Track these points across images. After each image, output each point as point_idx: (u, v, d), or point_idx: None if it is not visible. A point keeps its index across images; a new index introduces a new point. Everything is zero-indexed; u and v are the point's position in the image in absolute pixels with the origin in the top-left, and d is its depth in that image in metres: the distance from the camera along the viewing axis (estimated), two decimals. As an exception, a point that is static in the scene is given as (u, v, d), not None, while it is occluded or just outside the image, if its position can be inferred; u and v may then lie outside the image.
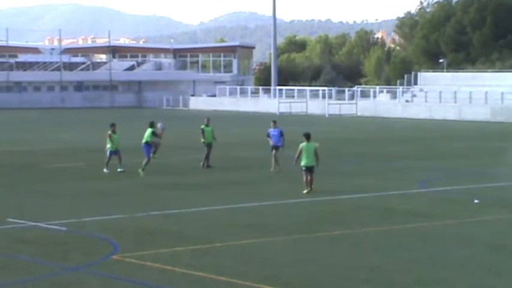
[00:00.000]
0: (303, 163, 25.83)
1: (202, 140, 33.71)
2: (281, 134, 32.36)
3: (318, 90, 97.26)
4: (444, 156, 39.50)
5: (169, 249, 17.65)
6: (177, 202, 24.59)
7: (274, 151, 32.14)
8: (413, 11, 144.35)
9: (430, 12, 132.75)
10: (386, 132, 59.15)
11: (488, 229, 20.42)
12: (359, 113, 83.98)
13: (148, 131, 31.63)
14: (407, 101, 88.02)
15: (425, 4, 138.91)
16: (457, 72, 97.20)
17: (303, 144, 25.91)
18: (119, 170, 31.91)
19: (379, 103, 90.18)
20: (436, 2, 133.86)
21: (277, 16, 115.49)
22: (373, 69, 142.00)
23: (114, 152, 32.15)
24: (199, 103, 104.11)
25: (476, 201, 24.21)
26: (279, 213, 22.87)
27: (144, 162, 31.33)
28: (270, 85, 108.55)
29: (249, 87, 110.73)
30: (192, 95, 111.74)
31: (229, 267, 16.13)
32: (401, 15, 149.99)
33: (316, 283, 15.08)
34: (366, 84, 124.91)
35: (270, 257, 17.10)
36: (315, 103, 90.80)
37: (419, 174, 31.82)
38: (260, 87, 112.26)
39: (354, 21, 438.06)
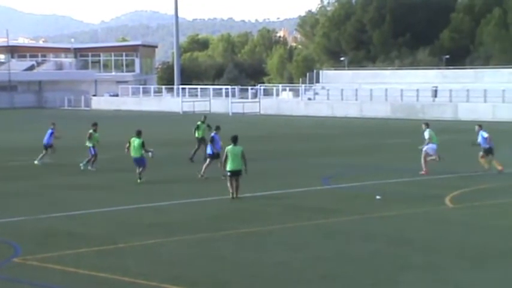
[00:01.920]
0: (228, 168, 24.52)
1: (196, 135, 35.32)
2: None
3: (221, 88, 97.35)
4: (346, 153, 39.97)
5: (73, 251, 17.33)
6: (81, 203, 24.18)
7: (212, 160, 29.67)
8: (314, 10, 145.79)
9: (331, 11, 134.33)
10: (290, 130, 59.55)
11: (391, 224, 20.72)
12: (262, 111, 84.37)
13: (136, 142, 28.74)
14: (309, 98, 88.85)
15: (326, 3, 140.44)
16: (358, 70, 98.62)
17: (229, 148, 24.63)
18: (81, 165, 32.50)
19: (282, 101, 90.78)
20: (336, 1, 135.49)
21: (179, 15, 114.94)
22: (275, 67, 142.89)
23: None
24: (101, 103, 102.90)
25: (378, 197, 24.55)
26: (185, 212, 22.74)
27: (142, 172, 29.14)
28: (173, 84, 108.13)
29: (152, 87, 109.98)
30: (94, 95, 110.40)
31: (134, 267, 15.92)
32: (303, 13, 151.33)
33: (222, 282, 15.01)
34: (269, 83, 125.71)
35: (175, 257, 16.96)
36: (218, 102, 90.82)
37: (323, 171, 32.11)
38: (163, 87, 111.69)
39: (256, 20, 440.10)
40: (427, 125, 31.89)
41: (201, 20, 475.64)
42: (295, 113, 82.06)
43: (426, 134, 31.27)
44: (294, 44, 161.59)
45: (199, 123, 35.97)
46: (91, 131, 33.33)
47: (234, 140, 24.72)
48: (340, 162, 35.34)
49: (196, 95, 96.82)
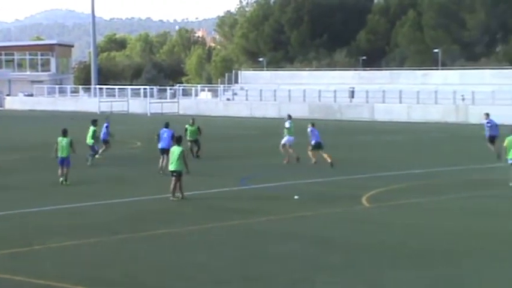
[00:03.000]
0: (169, 167, 24.79)
1: (188, 138, 36.14)
2: (172, 136, 31.14)
3: (139, 89, 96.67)
4: (265, 154, 40.06)
5: (-14, 254, 16.96)
6: (-5, 205, 23.67)
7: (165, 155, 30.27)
8: (233, 10, 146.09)
9: (250, 12, 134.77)
10: (208, 130, 59.31)
11: (309, 224, 20.86)
12: (181, 112, 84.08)
13: (65, 141, 28.45)
14: (228, 99, 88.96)
15: (244, 3, 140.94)
16: (277, 70, 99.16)
17: (172, 148, 25.11)
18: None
19: (201, 102, 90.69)
20: (255, 1, 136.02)
21: (96, 14, 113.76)
22: (194, 68, 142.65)
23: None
24: (15, 103, 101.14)
25: (296, 197, 24.68)
26: (105, 213, 22.48)
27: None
28: (90, 84, 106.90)
29: (69, 86, 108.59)
30: (8, 95, 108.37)
31: (49, 270, 15.66)
32: (222, 14, 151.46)
33: (140, 283, 14.89)
34: (188, 83, 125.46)
35: (92, 258, 16.75)
36: (136, 102, 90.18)
37: (241, 171, 32.16)
38: (80, 87, 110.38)
39: (175, 20, 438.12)
40: (290, 117, 36.24)
41: (118, 20, 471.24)
42: (214, 114, 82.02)
43: (287, 124, 34.86)
44: (212, 45, 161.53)
45: (187, 126, 36.82)
46: (95, 128, 34.13)
47: (177, 140, 25.15)
48: (258, 163, 35.43)
49: (114, 95, 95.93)
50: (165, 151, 30.04)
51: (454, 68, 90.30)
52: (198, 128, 37.04)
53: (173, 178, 24.39)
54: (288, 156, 34.89)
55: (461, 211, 22.76)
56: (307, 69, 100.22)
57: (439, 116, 70.70)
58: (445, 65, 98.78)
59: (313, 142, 34.45)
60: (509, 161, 27.31)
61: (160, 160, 30.87)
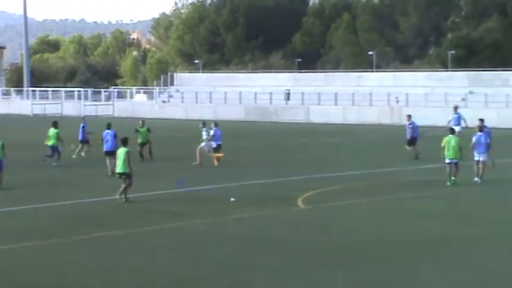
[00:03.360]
0: (117, 169, 24.94)
1: (140, 140, 36.75)
2: (115, 136, 31.14)
3: (73, 91, 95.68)
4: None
5: None
6: None
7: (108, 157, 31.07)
8: (168, 12, 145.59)
9: (185, 13, 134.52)
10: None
11: (246, 226, 20.86)
12: (116, 114, 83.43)
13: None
14: (164, 101, 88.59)
15: (180, 5, 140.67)
16: (212, 73, 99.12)
17: (118, 150, 25.19)
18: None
19: (136, 104, 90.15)
20: (190, 3, 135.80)
21: (29, 15, 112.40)
22: (129, 70, 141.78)
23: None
24: None
25: (232, 199, 24.66)
26: (38, 217, 22.18)
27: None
28: (22, 86, 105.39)
29: (0, 89, 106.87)
30: None
31: (-17, 275, 15.38)
32: (157, 16, 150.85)
33: (75, 287, 14.71)
34: (123, 85, 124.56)
35: (26, 263, 16.50)
36: (70, 104, 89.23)
37: (177, 173, 32.05)
38: (12, 89, 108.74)
39: (109, 22, 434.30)
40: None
41: (51, 21, 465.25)
42: (149, 116, 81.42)
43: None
44: (148, 47, 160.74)
45: (138, 128, 37.22)
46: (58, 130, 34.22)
47: (123, 141, 25.15)
48: (194, 165, 35.31)
49: (47, 98, 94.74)
50: (110, 153, 29.98)
51: (388, 70, 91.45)
52: (148, 129, 37.65)
53: (122, 180, 24.45)
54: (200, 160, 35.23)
55: (396, 212, 22.99)
56: (243, 71, 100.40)
57: (373, 117, 71.40)
58: (380, 67, 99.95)
59: (215, 144, 35.46)
60: (447, 161, 27.86)
61: (108, 162, 30.72)
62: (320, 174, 31.59)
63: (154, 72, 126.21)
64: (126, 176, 24.41)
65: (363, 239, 18.99)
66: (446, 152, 27.92)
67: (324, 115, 73.73)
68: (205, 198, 25.66)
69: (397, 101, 73.36)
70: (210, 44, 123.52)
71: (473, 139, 28.63)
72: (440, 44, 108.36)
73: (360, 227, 20.66)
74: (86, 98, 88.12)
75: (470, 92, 70.83)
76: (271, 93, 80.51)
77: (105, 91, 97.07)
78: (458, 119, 42.36)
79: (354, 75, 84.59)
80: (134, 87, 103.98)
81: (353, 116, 72.79)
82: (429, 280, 15.25)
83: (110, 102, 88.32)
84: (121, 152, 24.70)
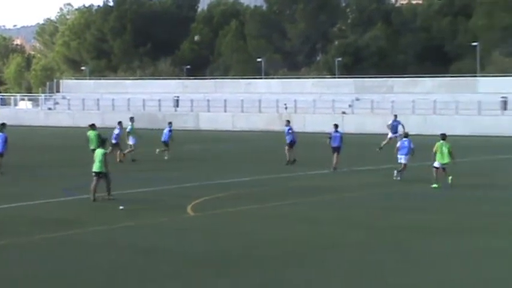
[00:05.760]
0: (93, 168, 25.95)
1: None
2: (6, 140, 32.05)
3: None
4: (88, 163, 39.14)
5: None
6: None
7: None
8: (53, 18, 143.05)
9: (71, 19, 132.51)
10: (29, 141, 57.78)
11: (135, 234, 20.50)
12: None
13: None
14: (50, 108, 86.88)
15: (65, 11, 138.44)
16: (100, 79, 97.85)
17: (96, 150, 26.39)
18: None
19: (21, 111, 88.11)
20: (76, 9, 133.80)
21: None
22: (13, 76, 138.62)
23: None
24: None
25: (121, 207, 24.23)
26: None
27: None
28: None
29: None
30: None
31: None
32: (42, 21, 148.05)
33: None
34: (6, 92, 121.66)
35: None
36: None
37: (64, 181, 31.38)
38: None
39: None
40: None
41: None
42: (35, 123, 79.84)
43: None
44: (32, 53, 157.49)
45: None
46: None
47: (102, 142, 26.56)
48: (82, 172, 34.58)
49: None
50: None
51: (276, 77, 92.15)
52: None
53: (95, 178, 25.52)
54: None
55: (285, 217, 23.00)
56: (131, 78, 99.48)
57: (263, 124, 71.78)
58: (268, 74, 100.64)
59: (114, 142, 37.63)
60: (436, 165, 28.92)
61: None
62: (210, 181, 31.41)
63: (39, 79, 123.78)
64: (103, 175, 25.52)
65: (252, 245, 18.91)
66: (437, 157, 28.92)
67: (213, 122, 73.70)
68: (93, 206, 25.11)
69: (286, 108, 73.97)
70: (97, 50, 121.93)
71: (398, 143, 32.02)
72: (328, 51, 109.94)
73: (249, 233, 20.57)
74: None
75: (357, 99, 72.00)
76: (159, 100, 80.00)
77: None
78: (397, 126, 44.58)
79: (243, 82, 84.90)
80: (18, 94, 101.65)
81: (242, 122, 73.02)
82: (317, 285, 15.23)
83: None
84: (98, 152, 25.90)
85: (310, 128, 64.74)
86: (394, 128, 44.60)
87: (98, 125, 74.10)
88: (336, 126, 36.11)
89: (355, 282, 15.49)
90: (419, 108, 66.48)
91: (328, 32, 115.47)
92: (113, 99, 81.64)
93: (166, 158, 40.89)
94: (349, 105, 70.60)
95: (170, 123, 43.38)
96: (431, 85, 72.72)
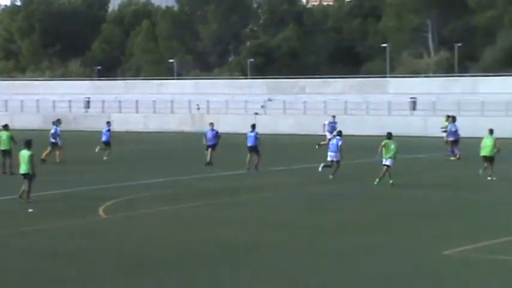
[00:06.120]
0: (20, 170, 25.72)
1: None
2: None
3: None
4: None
5: None
6: None
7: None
8: None
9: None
10: None
11: (43, 238, 20.06)
12: None
13: None
14: None
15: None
16: (8, 80, 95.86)
17: (22, 152, 25.74)
18: None
19: None
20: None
21: None
22: None
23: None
24: None
25: (30, 210, 23.69)
26: None
27: None
28: None
29: None
30: None
31: None
32: None
33: None
34: None
35: None
36: None
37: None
38: None
39: None
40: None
41: None
42: None
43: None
44: None
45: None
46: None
47: (27, 144, 25.66)
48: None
49: None
50: None
51: (189, 78, 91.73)
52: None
53: (25, 181, 25.12)
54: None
55: (199, 219, 22.83)
56: (40, 79, 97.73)
57: (175, 125, 71.31)
58: (181, 74, 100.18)
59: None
60: (385, 162, 29.38)
61: None
62: (122, 183, 31.00)
63: None
64: (29, 176, 25.13)
65: (163, 247, 18.77)
66: (384, 154, 29.38)
67: (125, 123, 72.81)
68: (0, 210, 24.47)
69: (198, 109, 73.67)
70: (5, 50, 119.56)
71: (329, 142, 33.40)
72: (240, 52, 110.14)
73: (161, 235, 20.36)
74: None
75: (269, 100, 72.19)
76: (70, 101, 78.73)
77: None
78: (333, 126, 45.47)
79: (155, 82, 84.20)
80: None
81: (154, 123, 72.43)
82: (229, 285, 15.11)
83: None
84: (24, 154, 25.34)
85: (223, 129, 64.14)
86: (331, 128, 45.46)
87: (6, 126, 71.62)
88: (253, 126, 36.19)
89: (266, 283, 15.42)
90: (331, 108, 66.90)
91: (240, 32, 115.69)
92: (22, 101, 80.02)
93: (105, 158, 40.48)
94: (262, 106, 70.70)
95: (109, 122, 43.37)
96: (342, 86, 73.37)
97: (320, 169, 31.51)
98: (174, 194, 28.39)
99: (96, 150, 41.42)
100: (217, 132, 38.26)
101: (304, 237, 19.91)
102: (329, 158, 31.57)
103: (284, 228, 20.98)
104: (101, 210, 24.06)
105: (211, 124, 39.14)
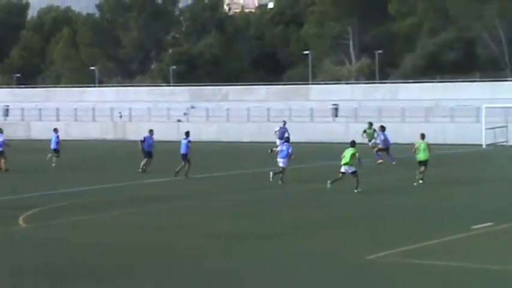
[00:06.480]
0: None
1: None
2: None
3: None
4: None
5: None
6: None
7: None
8: None
9: None
10: None
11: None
12: None
13: None
14: None
15: None
16: None
17: None
18: None
19: None
20: None
21: None
22: None
23: None
24: None
25: None
26: None
27: None
28: None
29: None
30: None
31: None
32: None
33: None
34: None
35: None
36: None
37: None
38: None
39: None
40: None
41: None
42: None
43: None
44: None
45: None
46: None
47: None
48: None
49: None
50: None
51: (110, 85, 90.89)
52: None
53: None
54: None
55: (123, 227, 22.56)
56: None
57: (97, 133, 70.48)
58: (102, 82, 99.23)
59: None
60: (343, 169, 29.44)
61: None
62: (44, 192, 30.52)
63: None
64: None
65: (85, 256, 18.50)
66: (343, 161, 29.48)
67: (46, 131, 71.36)
68: None
69: (121, 116, 72.99)
70: None
71: (279, 147, 33.68)
72: (162, 59, 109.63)
73: (84, 243, 20.09)
74: None
75: (192, 107, 71.97)
76: (-12, 110, 77.20)
77: None
78: (283, 133, 45.88)
79: (76, 90, 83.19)
80: None
81: (76, 131, 71.41)
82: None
83: None
84: None
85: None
86: (281, 134, 45.98)
87: None
88: (186, 134, 36.03)
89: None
90: (254, 116, 67.10)
91: (162, 40, 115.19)
92: None
93: (54, 165, 40.18)
94: (185, 113, 70.42)
95: (56, 129, 43.25)
96: (265, 93, 73.58)
97: (271, 178, 31.92)
98: (98, 202, 28.00)
99: (47, 158, 40.76)
100: (149, 138, 37.48)
101: (221, 244, 19.80)
102: (280, 164, 32.21)
103: (202, 236, 20.87)
104: (21, 220, 23.59)
105: (151, 131, 38.34)
